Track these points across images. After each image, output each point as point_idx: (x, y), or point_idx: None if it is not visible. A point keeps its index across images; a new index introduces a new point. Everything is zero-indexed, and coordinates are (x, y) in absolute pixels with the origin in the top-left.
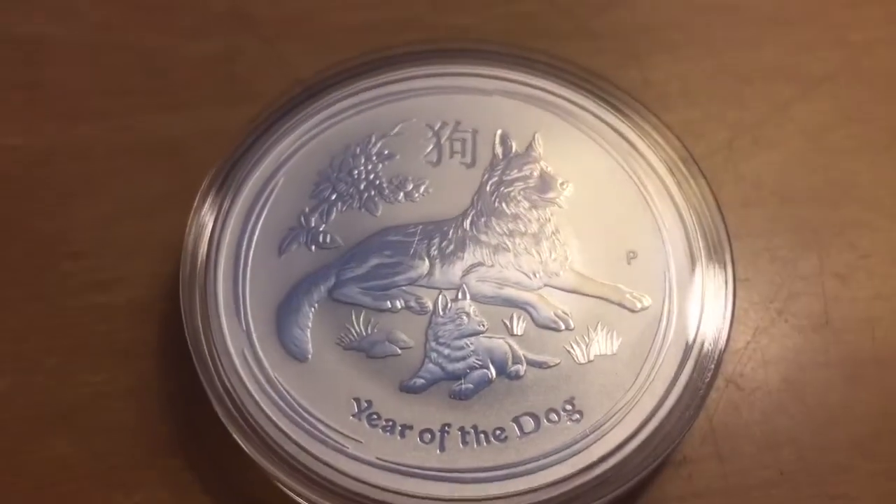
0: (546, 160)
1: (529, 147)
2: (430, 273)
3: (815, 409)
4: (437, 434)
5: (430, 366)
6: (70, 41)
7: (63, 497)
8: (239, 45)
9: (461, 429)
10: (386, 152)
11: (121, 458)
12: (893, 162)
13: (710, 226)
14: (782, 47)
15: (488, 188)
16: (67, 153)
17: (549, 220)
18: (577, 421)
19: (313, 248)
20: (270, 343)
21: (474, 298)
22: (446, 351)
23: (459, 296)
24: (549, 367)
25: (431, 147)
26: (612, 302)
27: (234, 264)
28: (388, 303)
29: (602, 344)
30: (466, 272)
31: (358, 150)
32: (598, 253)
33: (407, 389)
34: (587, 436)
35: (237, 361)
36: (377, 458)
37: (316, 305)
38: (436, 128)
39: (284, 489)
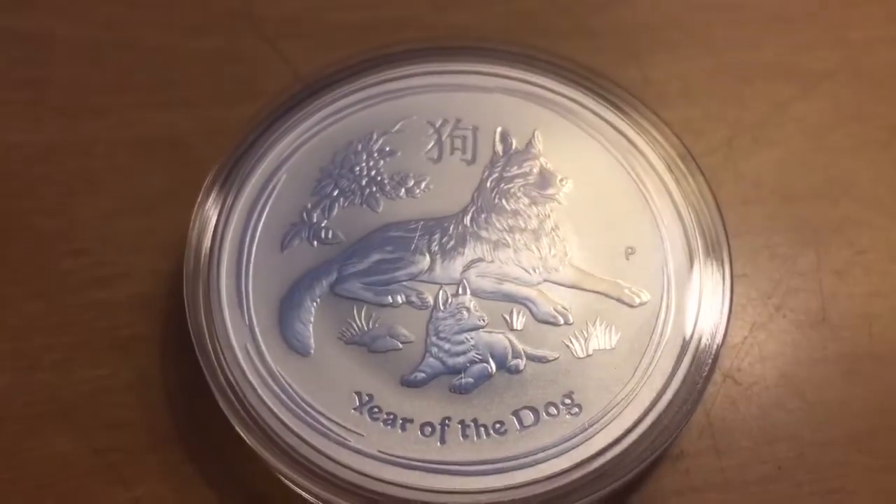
0: (546, 157)
1: (529, 144)
2: (431, 268)
3: (812, 404)
4: (438, 427)
5: (431, 360)
6: (72, 38)
7: (64, 494)
8: (240, 43)
9: (461, 422)
10: (387, 149)
11: (122, 454)
12: (892, 160)
13: (708, 222)
14: (782, 46)
15: (488, 185)
16: (69, 150)
17: (549, 216)
18: (576, 415)
19: (315, 243)
20: (273, 337)
21: (474, 294)
22: (447, 345)
23: (460, 291)
24: (549, 361)
25: (432, 144)
26: (611, 297)
27: (237, 259)
28: (390, 298)
29: (601, 338)
30: (467, 268)
31: (360, 147)
32: (598, 249)
33: (408, 383)
34: (586, 429)
35: (240, 355)
36: (378, 451)
37: (318, 300)
38: (437, 125)
39: (286, 482)
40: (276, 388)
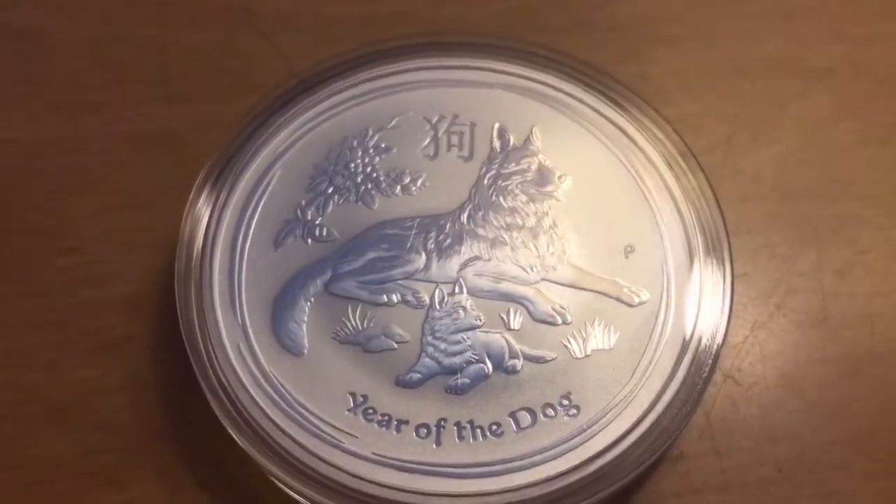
0: (544, 154)
1: (527, 140)
2: (427, 267)
3: (813, 404)
4: (434, 429)
5: (427, 360)
6: (68, 33)
7: (55, 495)
8: (236, 38)
9: (457, 423)
10: (383, 145)
11: (114, 455)
12: (894, 158)
13: (709, 220)
14: (782, 42)
15: (486, 182)
16: (63, 146)
17: (547, 213)
18: (574, 416)
19: (310, 241)
20: (266, 337)
21: (471, 293)
22: (443, 345)
23: (456, 290)
24: (546, 361)
25: (429, 140)
26: (610, 296)
27: (229, 257)
28: (385, 297)
29: (599, 338)
30: (463, 266)
31: (355, 143)
32: (596, 247)
33: (403, 384)
34: (584, 431)
35: (232, 355)
36: (373, 453)
37: (312, 299)
38: (433, 121)
39: (279, 484)
40: (268, 388)
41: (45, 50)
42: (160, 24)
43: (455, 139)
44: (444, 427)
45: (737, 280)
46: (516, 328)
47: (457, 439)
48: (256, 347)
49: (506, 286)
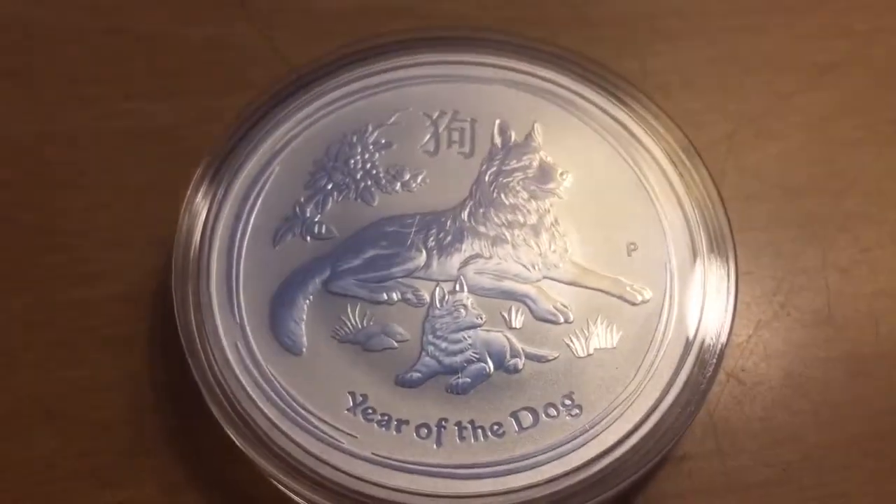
0: (545, 150)
1: (529, 137)
2: (428, 265)
3: (817, 405)
4: (434, 429)
5: (427, 359)
6: (58, 26)
7: (47, 496)
8: (232, 32)
9: (458, 424)
10: (383, 141)
11: (107, 455)
12: None
13: (712, 217)
14: (785, 36)
15: (487, 178)
16: (54, 141)
17: (549, 210)
18: (576, 416)
19: (308, 238)
20: (264, 336)
21: (472, 291)
22: (443, 344)
23: (457, 288)
24: (548, 360)
25: (429, 136)
26: (613, 295)
27: (227, 255)
28: (385, 295)
29: (602, 337)
30: (464, 264)
31: (354, 140)
32: (598, 245)
33: (403, 383)
34: (586, 431)
35: (230, 354)
36: (372, 454)
37: (311, 297)
38: (434, 117)
39: (278, 485)
40: (267, 388)
41: (34, 42)
42: (153, 17)
43: (456, 135)
44: (444, 427)
45: (740, 278)
46: (518, 327)
47: (458, 440)
48: (254, 346)
49: (507, 284)
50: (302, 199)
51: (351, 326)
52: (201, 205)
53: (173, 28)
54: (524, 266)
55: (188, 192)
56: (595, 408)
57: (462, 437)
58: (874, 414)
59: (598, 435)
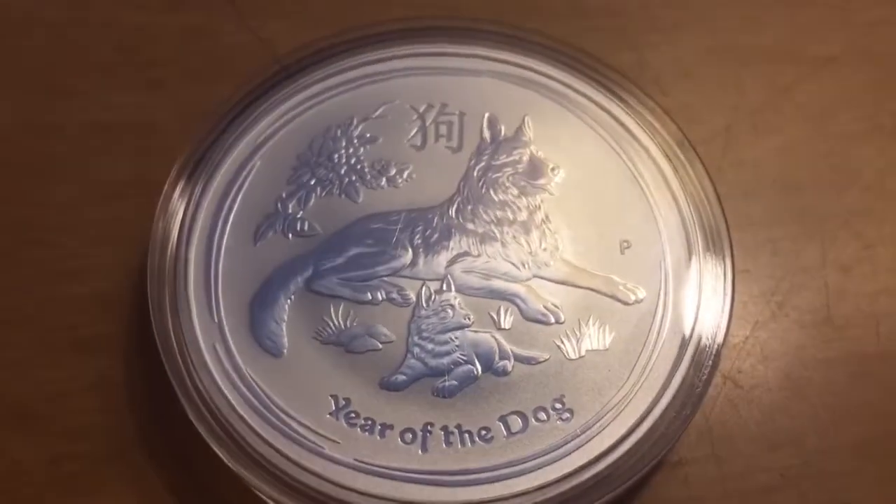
0: (536, 145)
1: (519, 131)
2: (414, 263)
3: (817, 408)
4: (419, 434)
5: (413, 361)
6: (36, 14)
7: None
8: (215, 22)
9: (444, 428)
10: (368, 135)
11: (82, 462)
12: None
13: (708, 214)
14: (783, 27)
15: (475, 174)
16: (32, 133)
17: (539, 207)
18: (568, 420)
19: (290, 236)
20: (243, 337)
21: (459, 290)
22: (430, 346)
23: (444, 287)
24: (538, 362)
25: (416, 130)
26: (605, 294)
27: (205, 253)
28: (369, 294)
29: (594, 338)
30: (451, 262)
31: (338, 133)
32: (591, 242)
33: (387, 386)
34: (578, 436)
35: (208, 357)
36: (355, 460)
37: (292, 297)
38: (421, 110)
39: (257, 493)
40: (246, 391)
41: (11, 31)
42: (135, 6)
43: (443, 129)
44: (430, 432)
45: (737, 277)
46: (507, 327)
47: (444, 445)
48: (234, 348)
49: (496, 283)
50: (284, 195)
51: (334, 327)
52: (179, 201)
53: (156, 18)
54: (514, 264)
55: (165, 189)
56: (587, 412)
57: (449, 443)
58: (876, 417)
59: (590, 440)
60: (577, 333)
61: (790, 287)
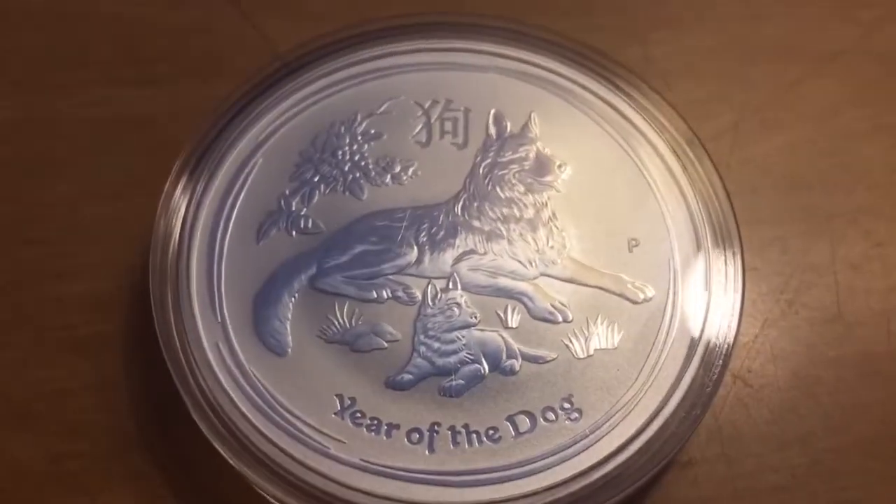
0: (543, 141)
1: (525, 127)
2: (419, 261)
3: (827, 407)
4: (426, 434)
5: (419, 360)
6: (31, 8)
7: (18, 503)
8: (215, 17)
9: (451, 428)
10: (372, 132)
11: (82, 461)
12: None
13: (718, 211)
14: (791, 24)
15: (481, 171)
16: (28, 130)
17: (546, 204)
18: (576, 420)
19: (294, 233)
20: (247, 336)
21: (466, 288)
22: (436, 344)
23: (450, 285)
24: (546, 362)
25: (421, 126)
26: (613, 292)
27: (208, 251)
28: (374, 293)
29: (602, 337)
30: (458, 260)
31: (342, 130)
32: (598, 240)
33: (393, 386)
34: (586, 436)
35: (211, 356)
36: (361, 460)
37: (296, 295)
38: (426, 106)
39: (261, 493)
40: (250, 390)
41: (7, 25)
42: (135, 3)
43: (449, 125)
44: (437, 432)
45: (746, 275)
46: (514, 326)
47: (451, 445)
48: (237, 347)
49: (503, 281)
50: (287, 192)
51: (338, 326)
52: (181, 199)
53: (156, 13)
54: (521, 262)
55: (166, 186)
56: (595, 411)
57: (456, 443)
58: (887, 416)
59: (598, 440)
60: (586, 332)
61: (799, 285)
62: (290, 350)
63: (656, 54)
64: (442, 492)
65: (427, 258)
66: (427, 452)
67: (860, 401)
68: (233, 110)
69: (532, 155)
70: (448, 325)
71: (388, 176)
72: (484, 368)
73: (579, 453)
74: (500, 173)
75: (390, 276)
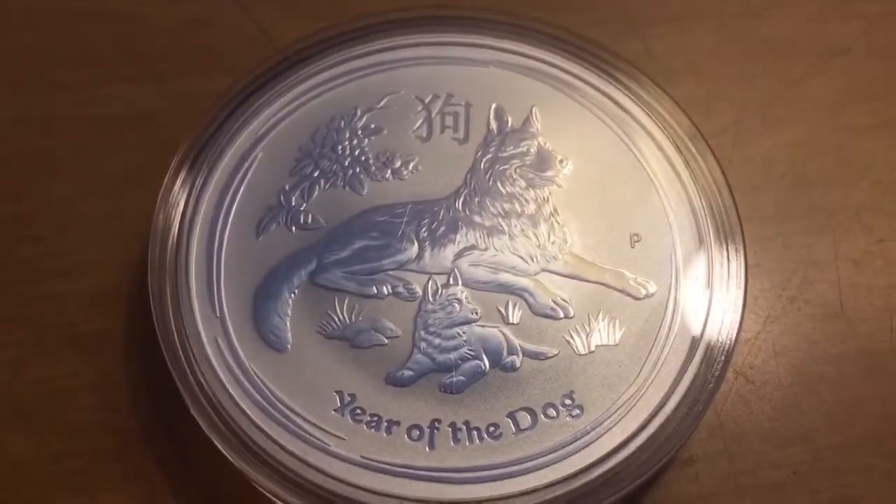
0: (544, 136)
1: (526, 122)
2: (420, 257)
3: (830, 404)
4: (427, 430)
5: (419, 356)
6: (30, 7)
7: (20, 503)
8: (215, 11)
9: (452, 425)
10: (372, 126)
11: (83, 460)
12: None
13: (720, 207)
14: (793, 20)
15: (482, 166)
16: (28, 127)
17: (548, 200)
18: (577, 416)
19: (294, 228)
20: (246, 332)
21: (467, 284)
22: (436, 340)
23: (451, 281)
24: (547, 358)
25: (421, 121)
26: (615, 288)
27: (207, 247)
28: (374, 288)
29: (604, 333)
30: (458, 256)
31: (342, 124)
32: (600, 236)
33: (394, 382)
34: (588, 433)
35: (210, 352)
36: (362, 457)
37: (296, 291)
38: (426, 100)
39: (262, 490)
40: (249, 387)
41: (6, 23)
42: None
43: (449, 120)
44: (437, 428)
45: (748, 271)
46: (515, 322)
47: (451, 442)
48: (236, 343)
49: (504, 277)
50: (287, 187)
51: (338, 321)
52: (180, 194)
53: (154, 8)
54: (522, 258)
55: (165, 181)
56: (597, 408)
57: (456, 439)
58: (889, 413)
59: (600, 437)
60: (587, 328)
61: (801, 281)
62: (289, 346)
63: (658, 50)
64: (442, 488)
65: (428, 254)
66: (427, 449)
67: (862, 397)
68: (232, 104)
69: (533, 150)
70: (449, 321)
71: (389, 171)
72: (485, 365)
73: (580, 450)
74: (501, 168)
75: (391, 272)
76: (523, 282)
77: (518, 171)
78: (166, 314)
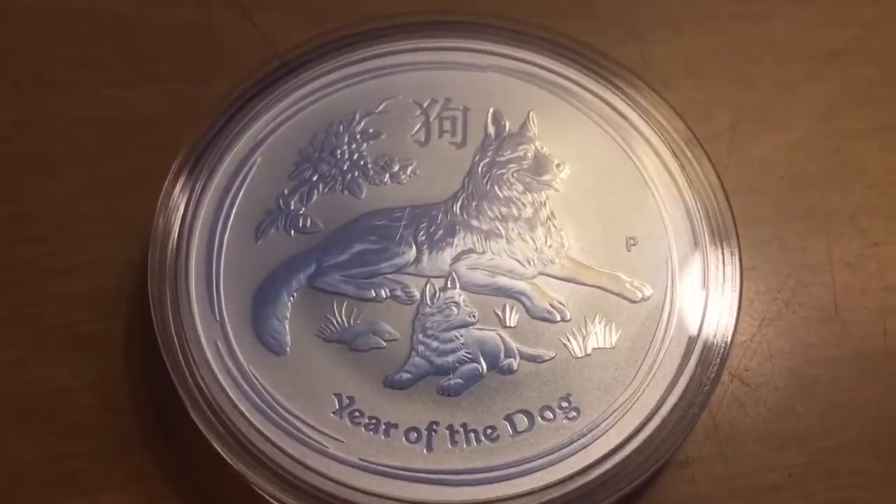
0: (541, 140)
1: (524, 126)
2: (418, 260)
3: (824, 406)
4: (424, 433)
5: (417, 359)
6: (31, 7)
7: (19, 503)
8: (215, 15)
9: (450, 427)
10: (371, 131)
11: (83, 460)
12: None
13: (715, 211)
14: (790, 24)
15: (480, 170)
16: (27, 129)
17: (545, 204)
18: (574, 419)
19: (293, 232)
20: (246, 335)
21: (464, 287)
22: (434, 343)
23: (448, 284)
24: (544, 361)
25: (419, 126)
26: (611, 292)
27: (207, 250)
28: (373, 292)
29: (600, 336)
30: (456, 259)
31: (341, 129)
32: (597, 239)
33: (392, 385)
34: (584, 435)
35: (210, 354)
36: (360, 459)
37: (295, 294)
38: (424, 105)
39: (260, 492)
40: (248, 389)
41: (5, 24)
42: (134, 2)
43: (447, 124)
44: (435, 431)
45: (744, 274)
46: (512, 325)
47: (449, 444)
48: (235, 346)
49: (501, 280)
50: (286, 192)
51: (337, 325)
52: (179, 198)
53: (155, 11)
54: (519, 261)
55: (165, 185)
56: (593, 410)
57: (454, 442)
58: (884, 415)
59: (596, 439)
60: (584, 331)
61: (797, 284)
62: (288, 349)
63: (655, 55)
64: (440, 490)
65: (426, 257)
66: (425, 451)
67: (857, 400)
68: (232, 109)
69: (530, 154)
70: (446, 324)
71: (387, 175)
72: (482, 367)
73: (577, 452)
74: (498, 172)
75: (389, 275)
76: (520, 285)
77: (515, 175)
78: (166, 318)
